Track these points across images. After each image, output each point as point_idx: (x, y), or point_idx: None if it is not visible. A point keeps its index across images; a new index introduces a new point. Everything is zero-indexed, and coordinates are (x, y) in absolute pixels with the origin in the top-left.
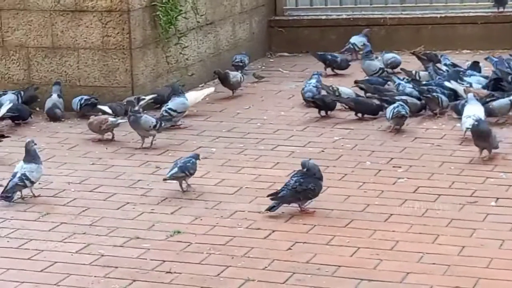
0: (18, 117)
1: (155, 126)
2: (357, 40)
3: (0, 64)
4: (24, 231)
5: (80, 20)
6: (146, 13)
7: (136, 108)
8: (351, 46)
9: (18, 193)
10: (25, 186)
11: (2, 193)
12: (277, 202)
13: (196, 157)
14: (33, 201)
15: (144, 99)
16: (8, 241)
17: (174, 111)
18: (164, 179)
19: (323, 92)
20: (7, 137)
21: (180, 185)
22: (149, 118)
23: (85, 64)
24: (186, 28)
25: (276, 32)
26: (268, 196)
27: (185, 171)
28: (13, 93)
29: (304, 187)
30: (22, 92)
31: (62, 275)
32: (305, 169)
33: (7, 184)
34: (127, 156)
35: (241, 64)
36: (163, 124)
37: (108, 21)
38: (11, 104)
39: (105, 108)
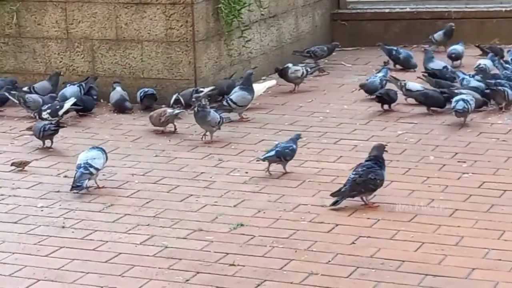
0: (82, 109)
1: (219, 122)
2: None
3: (64, 56)
4: (89, 222)
5: (144, 13)
6: (209, 6)
7: (203, 102)
8: (433, 40)
9: (87, 181)
10: (91, 174)
11: (72, 184)
12: (340, 197)
13: (297, 137)
14: (97, 192)
15: (202, 91)
16: (73, 232)
17: (235, 103)
18: (257, 160)
19: (388, 86)
20: (63, 126)
21: (284, 167)
22: (215, 115)
23: (148, 56)
24: (249, 21)
25: (339, 26)
26: (331, 195)
27: (281, 156)
28: (76, 85)
29: (364, 178)
30: (83, 84)
31: (127, 266)
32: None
33: (75, 175)
34: (190, 148)
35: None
36: (224, 120)
37: (172, 13)
38: (75, 100)
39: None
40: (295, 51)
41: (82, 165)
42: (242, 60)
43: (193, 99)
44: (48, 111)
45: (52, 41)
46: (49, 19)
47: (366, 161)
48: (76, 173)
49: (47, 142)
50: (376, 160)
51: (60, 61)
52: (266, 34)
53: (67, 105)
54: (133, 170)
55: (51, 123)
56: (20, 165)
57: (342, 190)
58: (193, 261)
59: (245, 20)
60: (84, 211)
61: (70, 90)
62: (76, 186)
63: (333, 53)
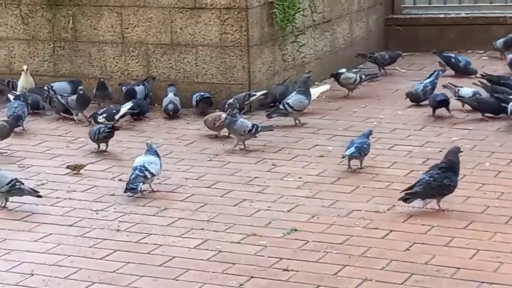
0: (138, 113)
1: (250, 130)
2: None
3: (120, 60)
4: (143, 225)
5: (198, 17)
6: (263, 11)
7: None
8: (495, 47)
9: (141, 184)
10: (146, 178)
11: (126, 186)
12: (412, 195)
13: (370, 133)
14: (152, 196)
15: (255, 95)
16: (127, 235)
17: (291, 107)
18: (343, 156)
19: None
20: (118, 129)
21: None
22: (245, 123)
23: (203, 61)
24: (304, 25)
25: (393, 31)
26: (402, 191)
27: (361, 152)
28: (140, 85)
29: (439, 182)
30: (146, 84)
31: (181, 270)
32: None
33: (130, 177)
34: (243, 153)
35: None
36: (259, 129)
37: (227, 18)
38: (132, 104)
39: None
40: (359, 54)
41: (137, 168)
42: (296, 65)
43: (226, 106)
44: (104, 115)
45: (107, 45)
46: (105, 24)
47: (441, 164)
48: (131, 175)
49: (102, 146)
50: (452, 165)
51: (115, 65)
52: (320, 39)
53: (124, 109)
54: (187, 174)
55: (106, 126)
56: (76, 168)
57: (415, 190)
58: (247, 265)
59: (299, 25)
60: (139, 214)
61: (139, 89)
62: (130, 189)
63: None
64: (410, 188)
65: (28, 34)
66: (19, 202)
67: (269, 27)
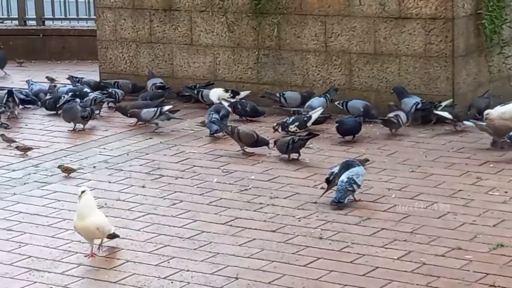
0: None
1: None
2: None
3: (322, 68)
4: (346, 234)
5: (403, 27)
6: (470, 21)
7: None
8: None
9: (350, 197)
10: (354, 191)
11: (334, 199)
12: None
13: None
14: (354, 205)
15: (440, 105)
16: (330, 244)
17: None
18: None
19: None
20: (316, 135)
21: None
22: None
23: (406, 71)
24: (510, 37)
25: None
26: None
27: None
28: (322, 96)
29: None
30: (328, 95)
31: (384, 280)
32: None
33: (338, 188)
34: (447, 165)
35: None
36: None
37: (432, 28)
38: (322, 109)
39: (444, 114)
40: None
41: (346, 181)
42: (502, 77)
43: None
44: (297, 123)
45: (310, 54)
46: (309, 32)
47: None
48: (338, 187)
49: (294, 155)
50: None
51: (318, 74)
52: None
53: (315, 115)
54: (389, 185)
55: (300, 136)
56: (66, 171)
57: None
58: (451, 279)
59: (506, 36)
60: (341, 223)
61: (317, 101)
62: (338, 202)
63: None
64: None
65: (233, 42)
66: (223, 207)
67: (475, 37)
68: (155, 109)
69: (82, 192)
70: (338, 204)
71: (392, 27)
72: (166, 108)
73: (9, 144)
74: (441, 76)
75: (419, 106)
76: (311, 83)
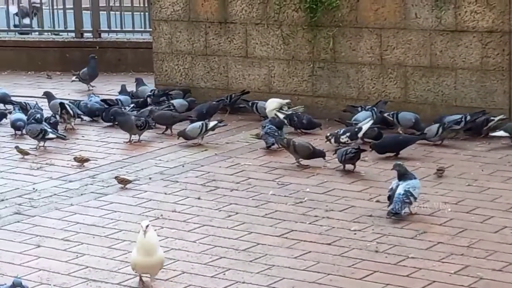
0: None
1: None
2: None
3: (377, 81)
4: (402, 248)
5: (459, 40)
6: None
7: None
8: None
9: (406, 210)
10: (410, 203)
11: (391, 210)
12: None
13: None
14: (410, 219)
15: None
16: (386, 257)
17: None
18: None
19: None
20: (363, 150)
21: None
22: None
23: (462, 84)
24: None
25: None
26: None
27: None
28: (368, 110)
29: None
30: (375, 109)
31: None
32: None
33: (395, 201)
34: (503, 179)
35: None
36: None
37: (488, 41)
38: (372, 120)
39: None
40: None
41: (403, 193)
42: None
43: None
44: (348, 134)
45: (365, 67)
46: (364, 45)
47: None
48: (395, 199)
49: (348, 166)
50: None
51: (373, 87)
52: None
53: (365, 126)
54: (445, 198)
55: (353, 148)
56: (81, 161)
57: None
58: None
59: None
60: (397, 236)
61: (363, 115)
62: (395, 214)
63: None
64: None
65: (288, 54)
66: (279, 219)
67: None
68: (200, 124)
69: (147, 226)
70: (395, 216)
71: (448, 40)
72: (212, 124)
73: (22, 156)
74: (498, 89)
75: (468, 118)
76: (366, 96)
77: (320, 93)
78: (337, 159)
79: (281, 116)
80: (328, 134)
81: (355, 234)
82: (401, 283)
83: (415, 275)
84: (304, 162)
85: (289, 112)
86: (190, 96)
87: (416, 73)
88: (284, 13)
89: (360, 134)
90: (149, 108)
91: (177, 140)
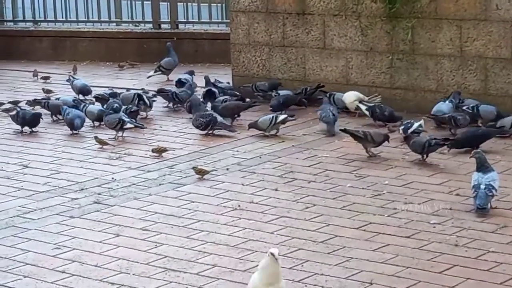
0: None
1: None
2: None
3: (457, 73)
4: (482, 242)
5: None
6: None
7: None
8: None
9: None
10: (493, 196)
11: (477, 206)
12: None
13: None
14: (490, 213)
15: None
16: (466, 251)
17: None
18: None
19: None
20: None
21: None
22: None
23: None
24: None
25: None
26: None
27: None
28: (447, 101)
29: None
30: (452, 99)
31: None
32: None
33: (477, 196)
34: None
35: None
36: None
37: None
38: (422, 121)
39: None
40: None
41: (485, 187)
42: None
43: None
44: (402, 127)
45: (445, 59)
46: (444, 37)
47: None
48: (476, 193)
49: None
50: None
51: (452, 79)
52: None
53: (416, 124)
54: None
55: (437, 140)
56: (159, 152)
57: None
58: None
59: None
60: (477, 230)
61: (445, 106)
62: (483, 208)
63: None
64: None
65: (366, 46)
66: (357, 211)
67: None
68: (271, 117)
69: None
70: (483, 211)
71: None
72: (281, 117)
73: (101, 146)
74: None
75: None
76: (445, 88)
77: (398, 85)
78: (412, 150)
79: (363, 108)
80: (400, 124)
81: (434, 227)
82: (482, 277)
83: (495, 270)
84: (375, 151)
85: (371, 104)
86: (281, 89)
87: (496, 65)
88: (363, 4)
89: (410, 130)
90: (221, 99)
91: (251, 132)
